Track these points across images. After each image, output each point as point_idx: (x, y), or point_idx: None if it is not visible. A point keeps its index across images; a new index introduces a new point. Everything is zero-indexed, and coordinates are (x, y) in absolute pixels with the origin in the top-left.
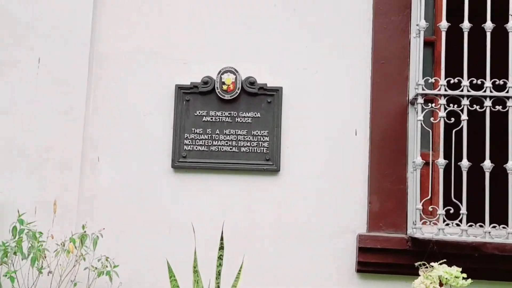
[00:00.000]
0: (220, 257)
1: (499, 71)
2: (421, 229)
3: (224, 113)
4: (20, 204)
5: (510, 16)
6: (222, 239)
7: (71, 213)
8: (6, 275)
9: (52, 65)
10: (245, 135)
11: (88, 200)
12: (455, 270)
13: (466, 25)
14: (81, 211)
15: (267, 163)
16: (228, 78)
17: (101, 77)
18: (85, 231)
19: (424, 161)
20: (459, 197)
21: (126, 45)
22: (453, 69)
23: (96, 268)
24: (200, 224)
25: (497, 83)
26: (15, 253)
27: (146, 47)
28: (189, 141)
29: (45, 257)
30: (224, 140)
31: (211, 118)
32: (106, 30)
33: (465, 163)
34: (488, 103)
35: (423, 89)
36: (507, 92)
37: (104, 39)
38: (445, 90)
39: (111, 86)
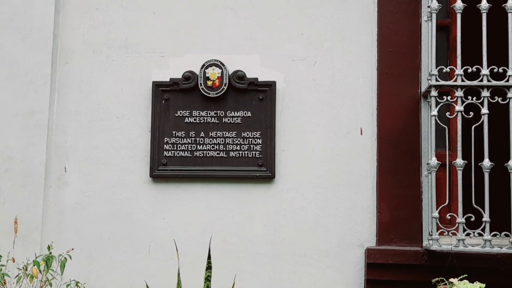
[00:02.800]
0: (207, 279)
1: None
2: (438, 240)
3: (209, 113)
4: None
5: None
6: (209, 257)
7: (34, 232)
8: None
9: (9, 62)
10: (234, 137)
11: (54, 216)
12: (478, 286)
13: (484, 5)
14: (47, 230)
15: (260, 169)
16: (213, 73)
17: (67, 75)
18: (51, 253)
19: (440, 163)
20: (481, 203)
21: (94, 37)
22: (471, 57)
23: None
24: (184, 241)
25: None
26: None
27: (118, 39)
28: (170, 146)
29: (5, 283)
30: (210, 144)
31: (195, 119)
32: (71, 20)
33: (486, 164)
34: (511, 94)
35: (437, 80)
36: None
37: (69, 31)
38: (462, 80)
39: (78, 85)
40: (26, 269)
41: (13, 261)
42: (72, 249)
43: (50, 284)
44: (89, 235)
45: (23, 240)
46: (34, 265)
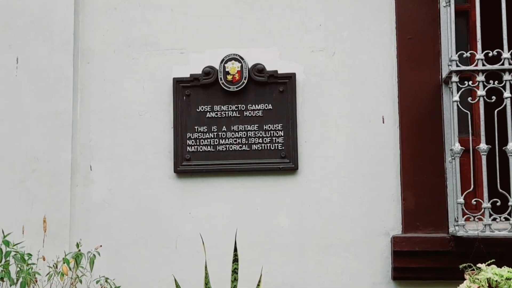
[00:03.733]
0: (234, 271)
1: None
2: (465, 226)
3: (230, 107)
4: (4, 223)
5: None
6: (235, 250)
7: (63, 231)
8: None
9: (32, 65)
10: (256, 130)
11: (81, 214)
12: (506, 271)
13: None
14: (75, 228)
15: (283, 161)
16: (233, 67)
17: (88, 75)
18: (79, 250)
19: (464, 148)
20: (506, 187)
21: (114, 37)
22: (491, 41)
23: None
24: (210, 235)
25: None
26: (1, 279)
27: (137, 38)
28: (193, 141)
29: (36, 281)
30: (232, 138)
31: (216, 114)
32: (90, 21)
33: (510, 148)
34: None
35: (457, 65)
36: None
37: (89, 32)
38: (483, 64)
39: (100, 85)
40: (56, 267)
41: (44, 259)
42: (101, 246)
43: (80, 281)
44: (116, 231)
45: (52, 238)
46: (64, 263)
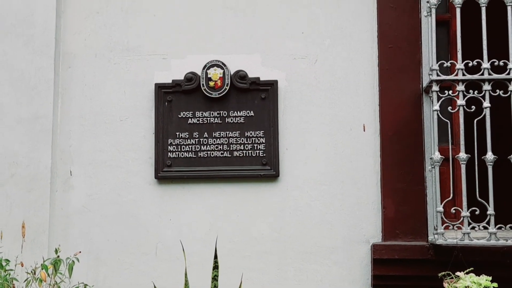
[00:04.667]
0: (214, 278)
1: None
2: (444, 234)
3: (212, 113)
4: None
5: None
6: (216, 257)
7: (42, 236)
8: None
9: (12, 68)
10: (238, 137)
11: (61, 220)
12: (484, 279)
13: None
14: (54, 233)
15: (264, 168)
16: (215, 73)
17: (70, 79)
18: (58, 256)
19: (444, 157)
20: (485, 196)
21: (96, 41)
22: (472, 51)
23: None
24: (190, 242)
25: None
26: None
27: (119, 43)
28: (174, 147)
29: (14, 287)
30: (214, 144)
31: (198, 120)
32: (72, 25)
33: (490, 157)
34: None
35: (438, 75)
36: None
37: (71, 36)
38: (463, 74)
39: (81, 89)
40: (35, 273)
41: (22, 265)
42: (80, 252)
43: (59, 287)
44: (96, 237)
45: (31, 244)
46: (42, 269)
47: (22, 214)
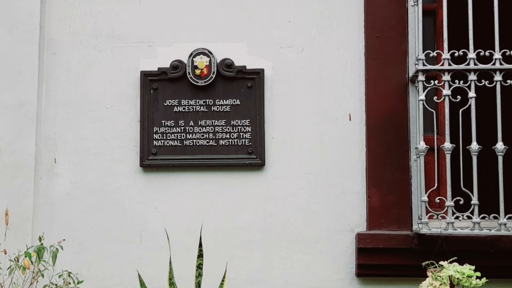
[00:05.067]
0: (199, 266)
1: (510, 41)
2: (428, 224)
3: (198, 102)
4: None
5: None
6: (200, 245)
7: (25, 224)
8: None
9: None
10: (224, 126)
11: (45, 207)
12: (468, 268)
13: None
14: (38, 221)
15: (250, 156)
16: (201, 61)
17: (54, 66)
18: (42, 244)
19: (429, 147)
20: (469, 186)
21: (81, 28)
22: (458, 41)
23: (57, 285)
24: (175, 230)
25: (507, 54)
26: None
27: (105, 30)
28: (159, 136)
29: None
30: (200, 133)
31: (184, 108)
32: (57, 11)
33: (474, 147)
34: (498, 77)
35: (424, 65)
36: None
37: (56, 22)
38: (449, 64)
39: (65, 76)
40: (18, 261)
41: (5, 253)
42: (64, 239)
43: (42, 275)
44: (80, 225)
45: (15, 231)
46: (25, 257)
47: (5, 202)
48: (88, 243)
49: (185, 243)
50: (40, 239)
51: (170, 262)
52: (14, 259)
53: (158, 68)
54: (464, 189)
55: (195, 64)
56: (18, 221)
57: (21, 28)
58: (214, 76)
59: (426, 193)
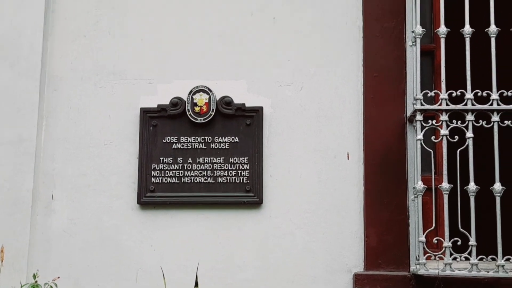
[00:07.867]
0: None
1: (507, 81)
2: (426, 265)
3: (197, 139)
4: None
5: None
6: (196, 284)
7: (21, 260)
8: None
9: None
10: (222, 163)
11: (41, 244)
12: None
13: (467, 30)
14: (33, 258)
15: (248, 194)
16: (201, 99)
17: (55, 102)
18: (36, 281)
19: (426, 187)
20: (467, 226)
21: (82, 64)
22: (455, 81)
23: None
24: (171, 268)
25: (505, 94)
26: None
27: (106, 66)
28: (158, 173)
29: None
30: (198, 170)
31: (182, 145)
32: (59, 48)
33: (472, 187)
34: (495, 117)
35: (422, 104)
36: None
37: (57, 59)
38: (447, 104)
39: (66, 112)
40: None
41: None
42: (58, 277)
43: None
44: (76, 263)
45: (9, 268)
46: None
47: (1, 238)
48: (83, 281)
49: (181, 281)
50: (34, 276)
51: None
52: None
53: (158, 105)
54: (462, 229)
55: (194, 101)
56: (14, 257)
57: (22, 64)
58: (213, 113)
59: (423, 234)
